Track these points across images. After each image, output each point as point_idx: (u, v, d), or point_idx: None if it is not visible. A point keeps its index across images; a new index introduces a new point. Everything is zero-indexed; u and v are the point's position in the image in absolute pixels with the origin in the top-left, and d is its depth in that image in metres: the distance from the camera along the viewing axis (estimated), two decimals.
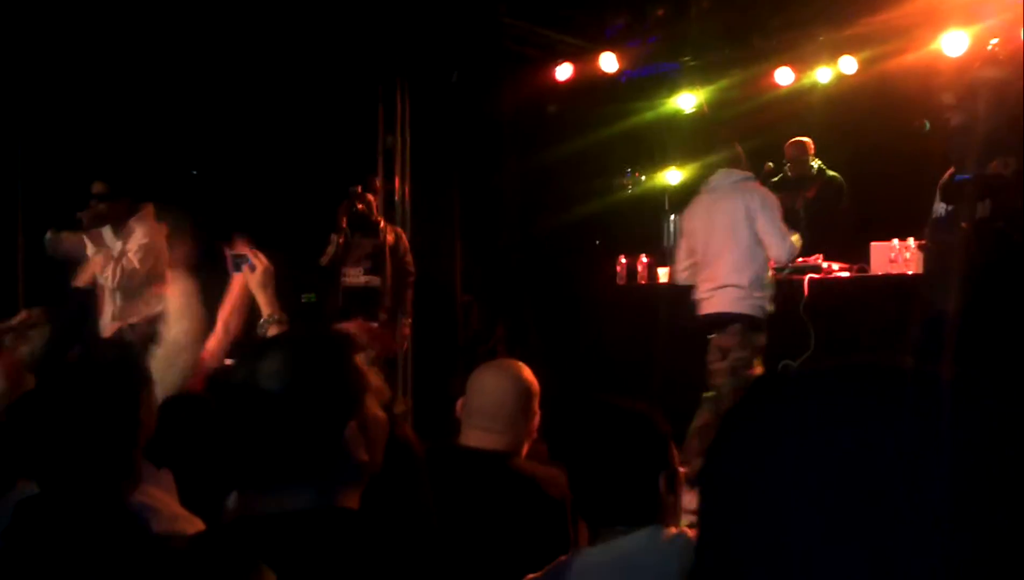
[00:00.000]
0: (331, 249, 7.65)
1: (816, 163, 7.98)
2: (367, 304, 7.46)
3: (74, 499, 1.99)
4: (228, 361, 3.62)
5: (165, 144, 7.57)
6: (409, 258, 7.83)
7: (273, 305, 3.10)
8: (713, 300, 5.81)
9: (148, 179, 6.99)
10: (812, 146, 7.97)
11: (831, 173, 7.95)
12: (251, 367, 1.63)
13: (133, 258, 5.85)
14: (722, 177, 5.96)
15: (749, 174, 6.02)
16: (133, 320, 5.78)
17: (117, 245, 5.90)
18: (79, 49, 6.65)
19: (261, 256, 3.22)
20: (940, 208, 4.66)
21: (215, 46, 7.16)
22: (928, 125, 7.37)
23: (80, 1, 6.48)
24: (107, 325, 5.90)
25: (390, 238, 7.74)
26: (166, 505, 2.19)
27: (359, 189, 7.67)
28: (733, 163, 6.03)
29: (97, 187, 5.90)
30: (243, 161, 7.96)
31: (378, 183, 8.08)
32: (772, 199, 5.83)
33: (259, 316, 3.15)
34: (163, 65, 7.12)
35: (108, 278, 5.85)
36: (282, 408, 1.60)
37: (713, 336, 5.87)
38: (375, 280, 7.66)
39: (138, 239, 5.90)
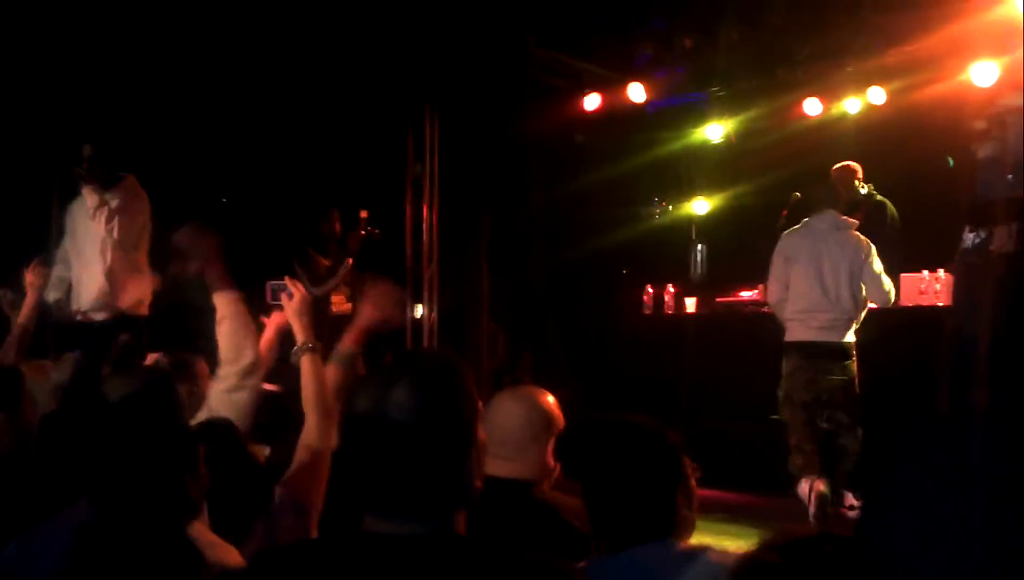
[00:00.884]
0: (343, 271, 7.67)
1: (865, 187, 7.77)
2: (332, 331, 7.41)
3: (136, 529, 2.02)
4: (268, 386, 3.66)
5: (196, 172, 7.65)
6: None
7: (308, 333, 3.15)
8: (816, 330, 6.03)
9: (179, 206, 7.06)
10: (859, 170, 7.82)
11: (879, 197, 7.74)
12: (379, 397, 1.61)
13: (134, 213, 5.84)
14: (824, 221, 6.09)
15: (851, 222, 6.12)
16: (128, 302, 5.67)
17: (113, 202, 5.81)
18: (115, 84, 6.75)
19: (299, 285, 3.28)
20: (969, 237, 4.63)
21: (249, 76, 7.26)
22: (952, 162, 7.33)
23: (113, 34, 6.57)
24: (98, 284, 5.77)
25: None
26: (203, 533, 2.22)
27: (365, 214, 7.71)
28: (831, 200, 6.12)
29: (87, 150, 5.81)
30: (273, 189, 8.03)
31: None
32: (871, 247, 6.04)
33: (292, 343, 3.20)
34: (197, 95, 7.21)
35: (113, 230, 5.79)
36: (413, 439, 1.59)
37: (802, 362, 6.01)
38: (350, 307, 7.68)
39: (131, 196, 5.87)
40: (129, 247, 5.83)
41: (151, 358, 4.21)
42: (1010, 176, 4.37)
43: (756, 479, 6.53)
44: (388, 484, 1.60)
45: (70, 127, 6.31)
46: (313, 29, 7.17)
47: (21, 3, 6.30)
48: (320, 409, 2.98)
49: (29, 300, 4.88)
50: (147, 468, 2.11)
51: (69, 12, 6.26)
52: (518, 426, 2.78)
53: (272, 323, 3.95)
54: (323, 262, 7.65)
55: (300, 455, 2.87)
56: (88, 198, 5.74)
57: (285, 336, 3.65)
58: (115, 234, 5.76)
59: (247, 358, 3.31)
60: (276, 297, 3.38)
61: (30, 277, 5.01)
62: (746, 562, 1.80)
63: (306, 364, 3.07)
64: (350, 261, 7.69)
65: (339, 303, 7.73)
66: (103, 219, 5.74)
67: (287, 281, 3.28)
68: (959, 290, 5.30)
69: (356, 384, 1.69)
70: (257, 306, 3.80)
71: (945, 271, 6.59)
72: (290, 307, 3.21)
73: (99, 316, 5.68)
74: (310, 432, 2.94)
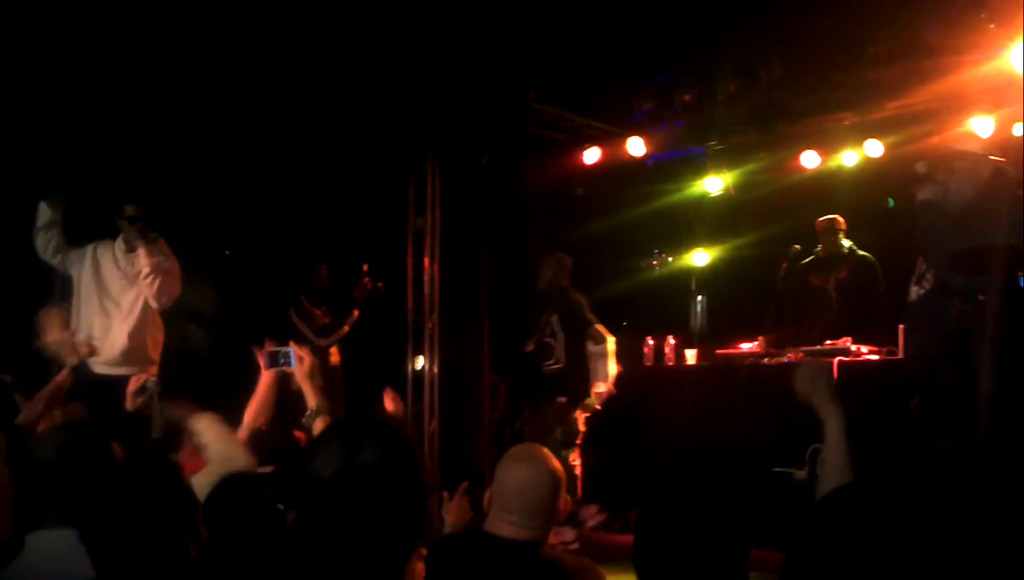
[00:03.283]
0: (349, 322, 7.71)
1: (847, 242, 7.92)
2: (335, 386, 7.48)
3: None
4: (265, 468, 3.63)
5: (198, 224, 7.68)
6: None
7: (319, 397, 3.19)
8: None
9: (183, 258, 7.09)
10: (843, 223, 7.93)
11: (862, 253, 7.87)
12: (347, 459, 1.63)
13: (176, 274, 5.99)
14: None
15: None
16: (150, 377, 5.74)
17: (165, 263, 5.96)
18: (110, 130, 6.79)
19: (306, 350, 3.32)
20: (914, 291, 4.60)
21: (252, 131, 7.31)
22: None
23: (117, 83, 6.63)
24: (126, 339, 5.90)
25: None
26: None
27: (367, 267, 7.77)
28: None
29: (131, 210, 5.94)
30: (277, 243, 8.06)
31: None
32: None
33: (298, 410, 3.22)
34: (197, 146, 7.26)
35: (162, 291, 5.91)
36: (380, 497, 1.62)
37: None
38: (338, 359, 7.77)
39: (171, 258, 6.01)
40: (162, 306, 5.96)
41: (139, 379, 4.13)
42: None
43: (755, 533, 6.49)
44: (347, 545, 1.60)
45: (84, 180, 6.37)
46: (316, 81, 7.24)
47: None
48: None
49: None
50: (148, 529, 2.12)
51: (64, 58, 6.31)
52: (546, 495, 2.77)
53: (264, 382, 3.90)
54: (316, 313, 7.67)
55: None
56: (144, 258, 5.85)
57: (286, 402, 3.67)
58: (163, 300, 5.90)
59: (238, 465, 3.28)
60: (276, 364, 3.41)
61: (84, 349, 5.09)
62: None
63: (319, 427, 3.11)
64: (356, 313, 7.71)
65: (335, 354, 7.75)
66: (156, 281, 5.84)
67: (293, 346, 3.33)
68: (911, 347, 5.24)
69: (313, 447, 1.70)
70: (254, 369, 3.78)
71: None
72: (300, 372, 3.27)
73: (122, 370, 5.70)
74: None
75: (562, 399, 7.43)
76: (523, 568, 2.61)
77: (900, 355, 6.57)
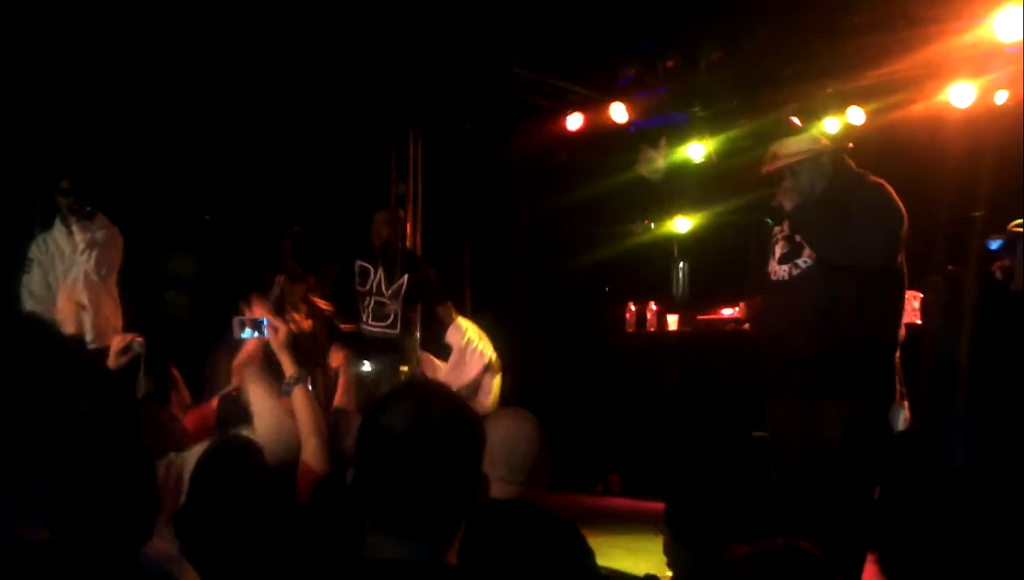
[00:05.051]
0: (276, 290, 7.55)
1: None
2: (309, 352, 7.37)
3: (90, 552, 2.04)
4: None
5: (178, 189, 7.65)
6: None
7: (295, 365, 3.22)
8: None
9: (162, 224, 7.07)
10: None
11: None
12: (419, 416, 1.65)
13: (116, 246, 6.02)
14: None
15: None
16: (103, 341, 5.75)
17: (99, 235, 5.96)
18: (96, 98, 6.76)
19: (279, 319, 3.35)
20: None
21: (232, 93, 7.27)
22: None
23: (86, 54, 6.58)
24: (91, 314, 5.89)
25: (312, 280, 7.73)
26: (156, 548, 2.24)
27: (297, 229, 7.64)
28: None
29: (67, 183, 5.93)
30: (257, 208, 8.03)
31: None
32: None
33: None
34: (178, 111, 7.22)
35: (100, 264, 5.91)
36: (447, 456, 1.64)
37: None
38: (310, 325, 7.60)
39: (110, 230, 6.02)
40: (111, 282, 5.96)
41: (124, 339, 4.15)
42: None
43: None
44: (409, 502, 1.62)
45: (46, 154, 6.35)
46: (297, 49, 7.20)
47: None
48: (319, 434, 3.04)
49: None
50: (103, 492, 2.12)
51: (38, 35, 6.26)
52: (535, 452, 2.82)
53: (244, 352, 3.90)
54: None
55: (305, 479, 2.91)
56: (77, 234, 5.85)
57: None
58: (103, 272, 5.89)
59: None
60: (250, 332, 3.43)
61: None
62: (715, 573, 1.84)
63: (298, 394, 3.14)
64: (281, 278, 7.52)
65: (299, 321, 7.66)
66: (92, 254, 5.84)
67: (269, 317, 3.37)
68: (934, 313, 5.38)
69: (381, 405, 1.71)
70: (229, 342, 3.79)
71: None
72: (275, 341, 3.30)
73: (96, 345, 5.71)
74: (314, 457, 2.98)
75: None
76: (506, 527, 2.64)
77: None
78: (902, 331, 4.52)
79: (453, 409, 1.68)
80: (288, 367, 3.27)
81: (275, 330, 3.36)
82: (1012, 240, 5.12)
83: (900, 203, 4.35)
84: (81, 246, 5.89)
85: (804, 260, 4.52)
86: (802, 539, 2.14)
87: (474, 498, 1.68)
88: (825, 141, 4.64)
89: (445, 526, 1.64)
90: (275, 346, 3.34)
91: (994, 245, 4.72)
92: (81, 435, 2.25)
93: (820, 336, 4.33)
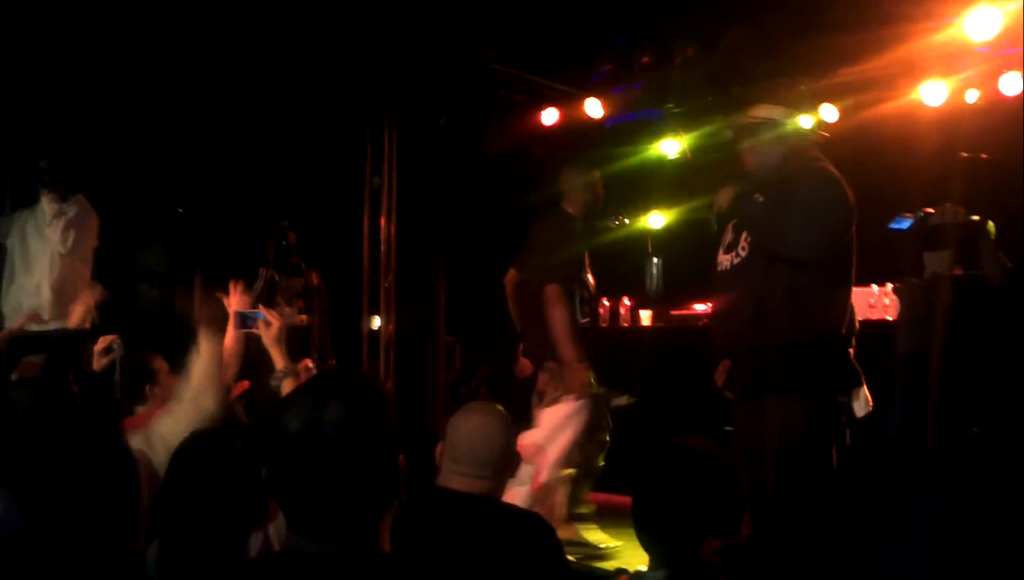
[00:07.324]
0: (259, 283, 7.55)
1: None
2: (300, 344, 7.37)
3: (69, 547, 2.03)
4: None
5: (152, 182, 7.60)
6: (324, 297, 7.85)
7: (287, 359, 3.22)
8: None
9: (135, 216, 7.02)
10: None
11: None
12: (313, 415, 1.61)
13: (88, 227, 5.96)
14: None
15: None
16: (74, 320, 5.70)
17: (70, 212, 5.92)
18: (67, 90, 6.70)
19: (274, 313, 3.35)
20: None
21: (204, 85, 7.23)
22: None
23: (63, 44, 6.53)
24: (52, 293, 5.86)
25: (314, 278, 7.75)
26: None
27: (286, 224, 7.64)
28: None
29: (44, 163, 5.90)
30: (231, 200, 7.99)
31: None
32: None
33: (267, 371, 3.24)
34: (151, 103, 7.17)
35: (68, 240, 5.87)
36: (347, 454, 1.59)
37: None
38: (305, 319, 7.62)
39: (85, 211, 6.00)
40: (79, 259, 5.90)
41: (105, 340, 4.17)
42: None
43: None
44: (318, 503, 1.58)
45: (22, 138, 6.30)
46: (271, 39, 7.16)
47: None
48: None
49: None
50: (82, 486, 2.10)
51: (17, 22, 6.21)
52: (498, 447, 2.80)
53: (228, 337, 3.91)
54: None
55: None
56: (47, 207, 5.80)
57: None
58: (69, 244, 5.82)
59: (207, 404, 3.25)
60: (245, 325, 3.44)
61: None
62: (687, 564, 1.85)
63: (288, 389, 3.14)
64: (265, 271, 7.54)
65: (291, 314, 7.67)
66: (59, 228, 5.80)
67: (262, 310, 3.38)
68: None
69: (282, 404, 1.68)
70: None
71: (892, 286, 6.72)
72: (268, 335, 3.30)
73: (55, 325, 5.69)
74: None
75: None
76: (474, 521, 2.64)
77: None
78: (856, 326, 4.45)
79: (354, 403, 1.63)
80: (279, 361, 3.28)
81: (268, 324, 3.37)
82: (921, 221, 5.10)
83: (848, 197, 4.29)
84: (49, 216, 5.84)
85: (742, 248, 4.45)
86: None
87: (392, 490, 1.64)
88: (797, 121, 4.60)
89: (360, 524, 1.60)
90: (267, 341, 3.34)
91: (903, 225, 4.67)
92: (56, 429, 2.24)
93: (755, 328, 4.24)
